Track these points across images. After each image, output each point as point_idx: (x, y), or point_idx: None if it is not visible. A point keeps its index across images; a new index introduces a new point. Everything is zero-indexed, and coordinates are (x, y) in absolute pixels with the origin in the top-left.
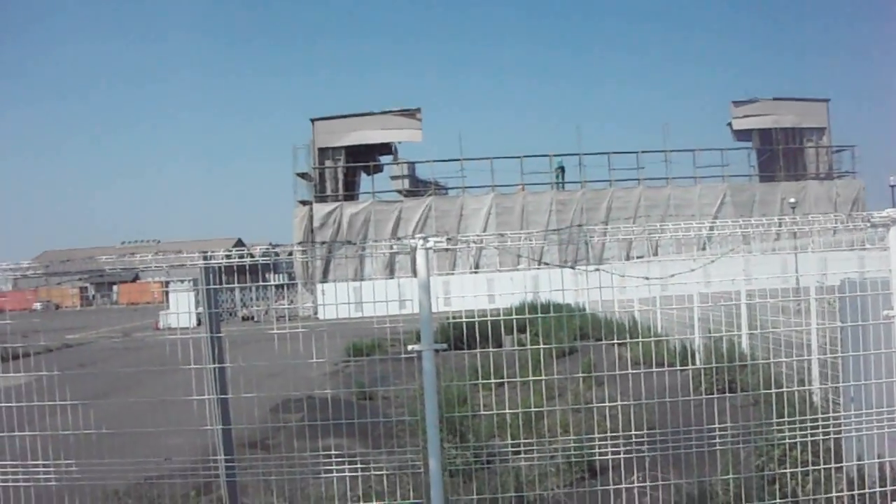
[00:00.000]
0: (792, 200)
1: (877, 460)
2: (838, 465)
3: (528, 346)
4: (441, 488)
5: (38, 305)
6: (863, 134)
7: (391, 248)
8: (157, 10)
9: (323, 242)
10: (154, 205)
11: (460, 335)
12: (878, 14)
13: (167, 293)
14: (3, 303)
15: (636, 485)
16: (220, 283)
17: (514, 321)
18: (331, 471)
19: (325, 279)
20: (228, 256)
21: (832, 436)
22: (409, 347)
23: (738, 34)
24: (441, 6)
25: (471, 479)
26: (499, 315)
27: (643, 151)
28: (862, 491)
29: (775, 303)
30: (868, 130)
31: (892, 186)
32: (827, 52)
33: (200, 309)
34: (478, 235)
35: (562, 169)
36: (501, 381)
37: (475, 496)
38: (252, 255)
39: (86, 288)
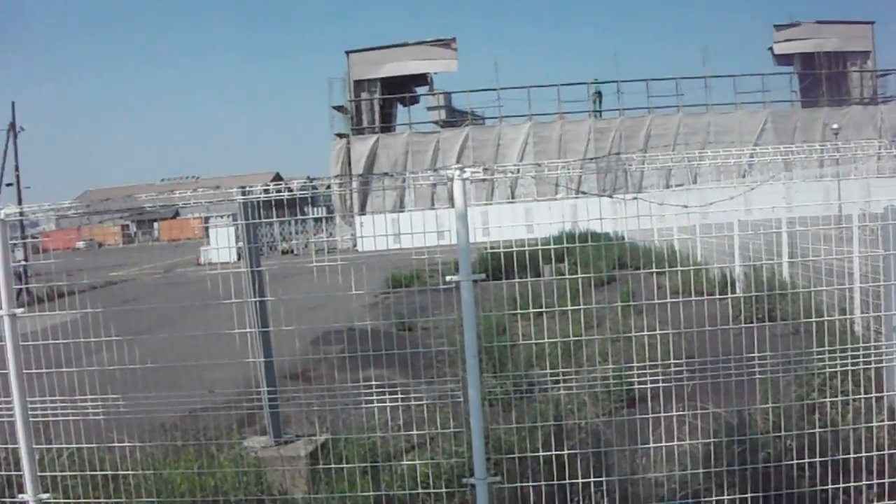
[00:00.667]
0: (835, 126)
1: None
2: (879, 394)
3: (567, 276)
4: (481, 417)
5: (80, 244)
6: None
7: (429, 179)
8: None
9: (360, 175)
10: (193, 142)
11: (499, 265)
12: None
13: (207, 229)
14: (46, 242)
15: (675, 413)
16: (259, 218)
17: (553, 251)
18: (371, 401)
19: (363, 212)
20: (267, 191)
21: (874, 365)
22: (448, 278)
23: None
24: None
25: (510, 409)
26: (537, 245)
27: (682, 77)
28: None
29: (817, 231)
30: None
31: None
32: None
33: (241, 243)
34: (515, 165)
35: (599, 95)
36: (540, 310)
37: (514, 425)
38: (290, 189)
39: (127, 226)
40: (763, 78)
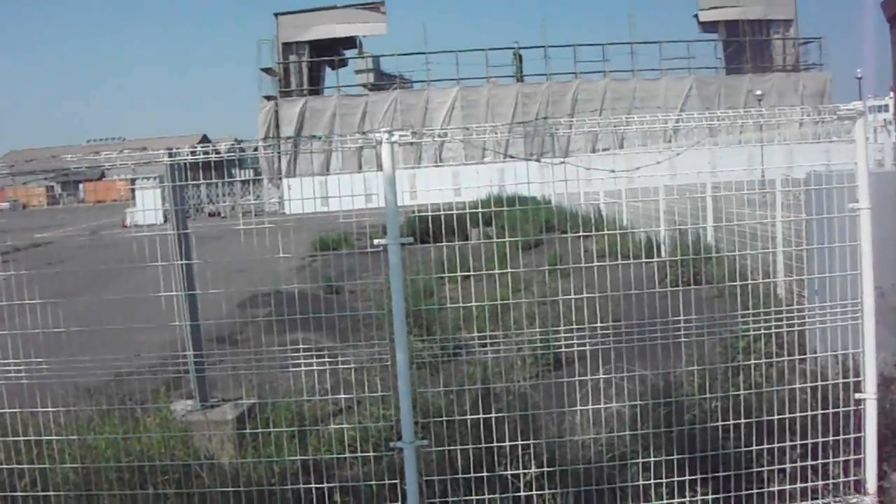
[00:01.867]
0: (758, 93)
1: (840, 352)
2: (802, 356)
3: (494, 240)
4: (408, 380)
5: (4, 205)
6: (830, 25)
7: (357, 142)
8: None
9: (288, 137)
10: (119, 104)
11: (427, 229)
12: None
13: (133, 191)
14: None
15: (601, 376)
16: (186, 180)
17: (480, 214)
18: (299, 364)
19: (291, 174)
20: (194, 153)
21: (796, 328)
22: (375, 241)
23: None
24: None
25: (438, 372)
26: (464, 208)
27: (609, 43)
28: (825, 382)
29: (740, 195)
30: (835, 21)
31: (859, 79)
32: None
33: (167, 206)
34: (443, 129)
35: (518, 57)
36: (467, 273)
37: (442, 388)
38: (217, 151)
39: (52, 187)
40: (688, 45)
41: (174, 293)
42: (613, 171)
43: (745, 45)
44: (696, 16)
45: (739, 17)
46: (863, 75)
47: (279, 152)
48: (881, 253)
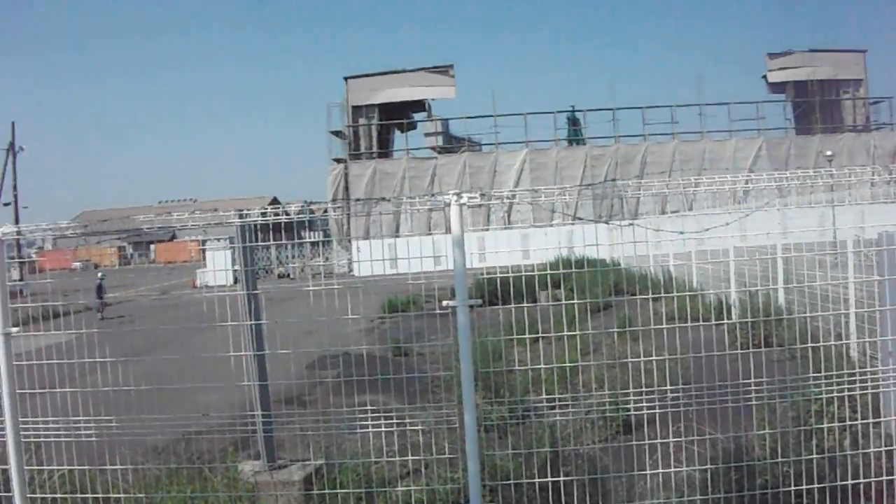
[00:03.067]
0: (828, 153)
1: None
2: (876, 420)
3: (563, 302)
4: (476, 443)
5: (77, 265)
6: None
7: (426, 204)
8: None
9: (358, 199)
10: (191, 165)
11: (495, 291)
12: None
13: (204, 251)
14: (43, 262)
15: (671, 440)
16: (256, 241)
17: (549, 276)
18: (367, 426)
19: (361, 237)
20: (264, 214)
21: (870, 391)
22: (444, 303)
23: None
24: None
25: (506, 435)
26: (533, 271)
27: (677, 105)
28: None
29: (812, 256)
30: None
31: None
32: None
33: (237, 267)
34: (511, 191)
35: (573, 121)
36: (536, 336)
37: (510, 451)
38: (287, 213)
39: (124, 247)
40: (757, 106)
41: (243, 353)
42: (682, 233)
43: (815, 106)
44: (764, 76)
45: (808, 77)
46: None
47: (348, 214)
48: None
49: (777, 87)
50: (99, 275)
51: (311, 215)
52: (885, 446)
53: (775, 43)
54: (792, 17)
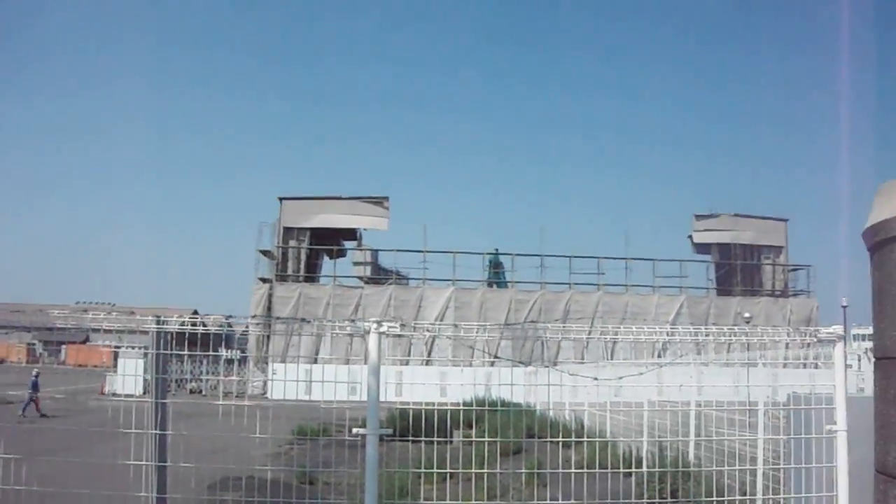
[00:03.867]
0: (746, 315)
1: None
2: None
3: (475, 440)
4: None
5: None
6: (819, 254)
7: (346, 329)
8: (128, 68)
9: (279, 318)
10: (112, 269)
11: (408, 426)
12: (838, 139)
13: (116, 357)
14: None
15: None
16: (171, 350)
17: (462, 415)
18: None
19: (279, 359)
20: (183, 323)
21: None
22: (354, 430)
23: (702, 150)
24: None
25: None
26: (448, 408)
27: (604, 257)
28: None
29: (723, 413)
30: (824, 251)
31: (844, 307)
32: (788, 171)
33: (148, 376)
34: (432, 324)
35: (497, 264)
36: (445, 472)
37: None
38: (205, 324)
39: (34, 345)
40: (681, 264)
41: (144, 462)
42: (596, 379)
43: (737, 268)
44: (690, 237)
45: (732, 240)
46: (848, 303)
47: (268, 333)
48: (859, 477)
49: (701, 248)
50: (34, 371)
51: (231, 329)
52: None
53: (701, 205)
54: (719, 182)
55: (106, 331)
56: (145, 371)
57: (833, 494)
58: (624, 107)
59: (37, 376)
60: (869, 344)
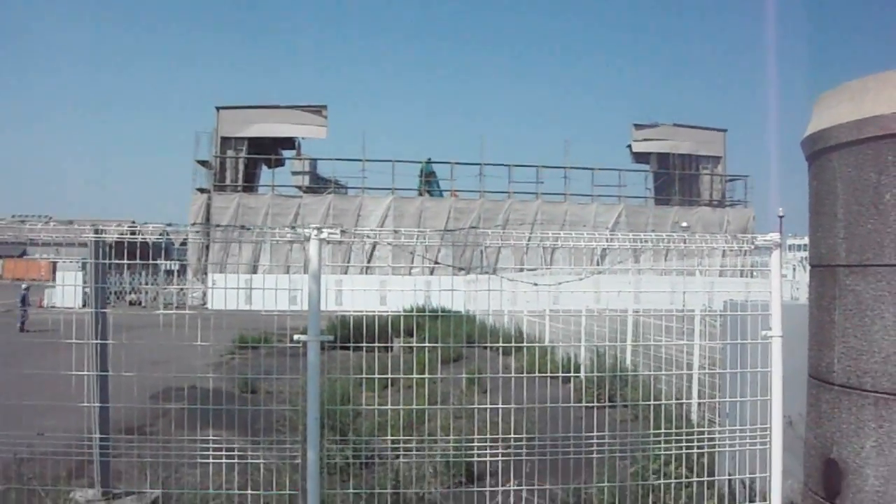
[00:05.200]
0: (684, 224)
1: (748, 476)
2: (711, 478)
3: (415, 346)
4: (318, 482)
5: None
6: (756, 165)
7: (286, 236)
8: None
9: (218, 226)
10: (48, 180)
11: (349, 334)
12: (776, 50)
13: (55, 270)
14: None
15: (512, 488)
16: (111, 260)
17: (402, 322)
18: (208, 459)
19: (219, 269)
20: (122, 233)
21: (706, 450)
22: (295, 337)
23: (642, 60)
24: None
25: (350, 477)
26: (388, 317)
27: (543, 166)
28: None
29: (660, 320)
30: (762, 162)
31: (781, 217)
32: (727, 82)
33: (87, 289)
34: (372, 230)
35: (430, 173)
36: (386, 378)
37: (352, 490)
38: (144, 234)
39: None
40: (620, 173)
41: (85, 373)
42: (536, 284)
43: (675, 178)
44: (629, 146)
45: (670, 150)
46: (784, 213)
47: (208, 241)
48: (793, 383)
49: (640, 157)
50: (23, 286)
51: (170, 239)
52: (719, 503)
53: (640, 115)
54: (659, 92)
55: (44, 243)
56: (84, 283)
57: (767, 399)
58: (563, 19)
59: (26, 290)
60: (804, 253)
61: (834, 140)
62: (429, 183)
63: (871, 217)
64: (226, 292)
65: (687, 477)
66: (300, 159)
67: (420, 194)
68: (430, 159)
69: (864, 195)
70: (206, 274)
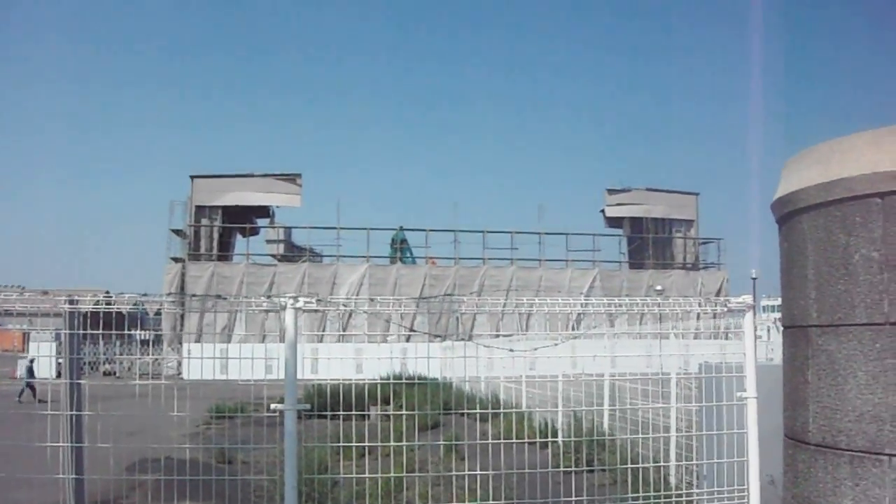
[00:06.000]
0: (658, 288)
1: None
2: None
3: (392, 413)
4: None
5: None
6: (729, 228)
7: (262, 304)
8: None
9: (194, 295)
10: (21, 251)
11: (326, 403)
12: (747, 113)
13: (27, 340)
14: None
15: None
16: (85, 330)
17: (380, 392)
18: None
19: (194, 339)
20: (97, 303)
21: None
22: (273, 406)
23: (614, 125)
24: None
25: None
26: (365, 384)
27: (517, 232)
28: None
29: (637, 384)
30: (734, 225)
31: (754, 279)
32: (699, 145)
33: (61, 359)
34: (347, 298)
35: (403, 241)
36: (363, 446)
37: None
38: (119, 304)
39: None
40: (594, 238)
41: (61, 444)
42: (512, 350)
43: (648, 242)
44: (602, 211)
45: (643, 214)
46: (757, 275)
47: (183, 311)
48: (772, 442)
49: (614, 222)
50: (29, 357)
51: (145, 308)
52: None
53: (613, 179)
54: (631, 156)
55: (19, 314)
56: (58, 354)
57: (744, 460)
58: (533, 81)
59: (32, 361)
60: (777, 315)
61: (803, 202)
62: (402, 251)
63: (841, 277)
64: (202, 362)
65: None
66: (275, 228)
67: (392, 262)
68: (402, 227)
69: (834, 256)
70: (180, 344)
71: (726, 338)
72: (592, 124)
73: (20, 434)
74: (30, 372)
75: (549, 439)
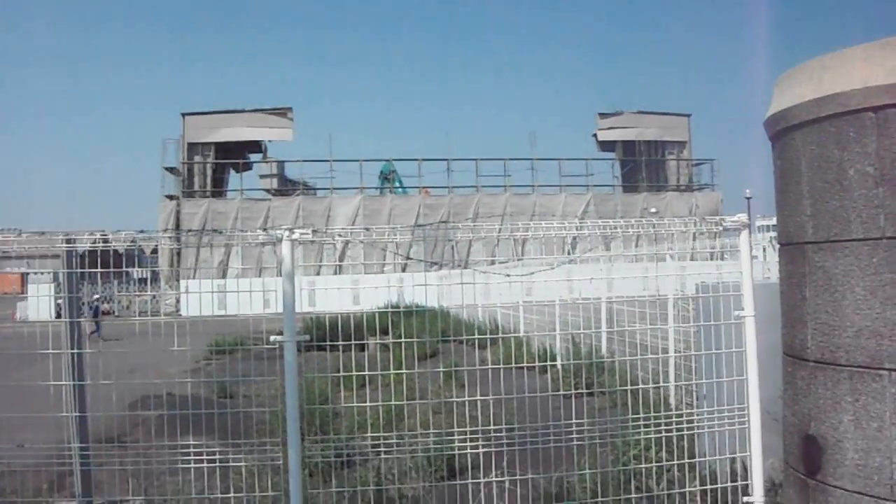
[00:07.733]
0: (653, 210)
1: (728, 456)
2: (692, 461)
3: (391, 342)
4: (299, 482)
5: None
6: (722, 148)
7: (258, 238)
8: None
9: (190, 231)
10: (16, 193)
11: (324, 336)
12: (737, 32)
13: (26, 282)
14: None
15: (494, 480)
16: (83, 270)
17: (378, 322)
18: (189, 465)
19: (189, 276)
20: (95, 241)
21: (686, 433)
22: (272, 338)
23: (604, 49)
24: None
25: (331, 477)
26: (363, 316)
27: (510, 158)
28: (714, 486)
29: (634, 306)
30: (727, 145)
31: (748, 198)
32: (690, 67)
33: (60, 300)
34: (343, 229)
35: (392, 173)
36: (363, 375)
37: (334, 489)
38: (117, 242)
39: None
40: (587, 163)
41: (63, 382)
42: (509, 276)
43: (641, 165)
44: (594, 135)
45: (636, 137)
46: (752, 195)
47: (179, 247)
48: (768, 361)
49: (606, 146)
50: (95, 296)
51: (142, 245)
52: (700, 486)
53: (606, 103)
54: (622, 79)
55: (17, 256)
56: (57, 294)
57: (743, 378)
58: (523, 8)
59: (98, 300)
60: (773, 234)
61: (796, 119)
62: (392, 182)
63: (836, 193)
64: (200, 297)
65: (667, 460)
66: (267, 162)
67: (381, 194)
68: (389, 159)
69: (829, 172)
70: (178, 281)
71: (722, 258)
72: (583, 49)
73: (21, 374)
74: (95, 311)
75: (549, 363)
